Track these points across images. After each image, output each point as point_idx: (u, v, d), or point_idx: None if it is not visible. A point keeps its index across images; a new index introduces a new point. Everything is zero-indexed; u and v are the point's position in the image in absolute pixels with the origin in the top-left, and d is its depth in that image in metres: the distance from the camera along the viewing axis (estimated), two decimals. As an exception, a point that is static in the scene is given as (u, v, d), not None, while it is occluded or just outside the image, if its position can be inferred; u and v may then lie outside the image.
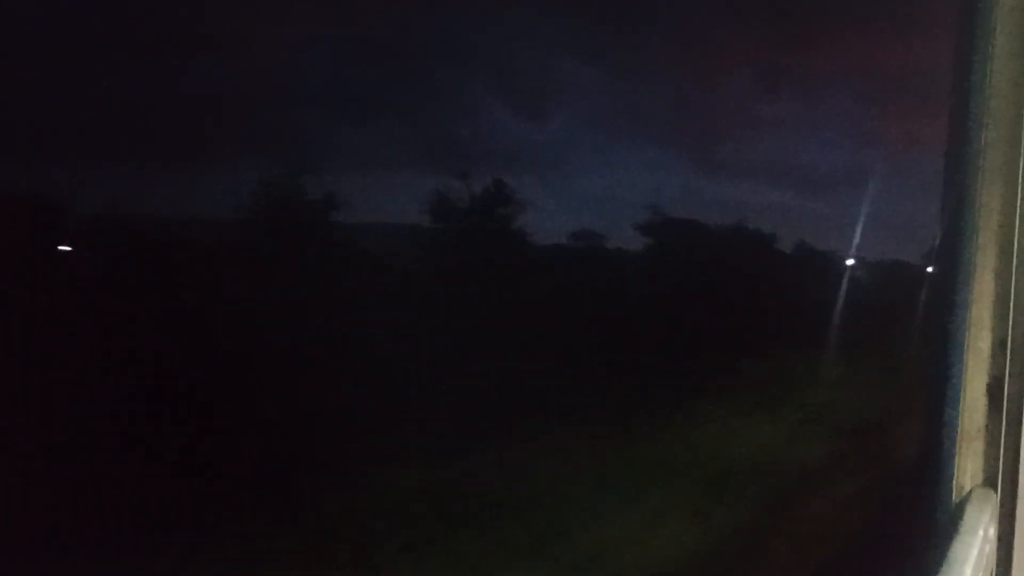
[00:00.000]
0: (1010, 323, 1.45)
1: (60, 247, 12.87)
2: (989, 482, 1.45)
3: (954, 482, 1.45)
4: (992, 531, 1.42)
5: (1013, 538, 1.44)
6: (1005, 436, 1.43)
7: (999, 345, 1.45)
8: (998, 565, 1.45)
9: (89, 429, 8.27)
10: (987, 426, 1.44)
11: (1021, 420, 1.42)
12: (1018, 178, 1.47)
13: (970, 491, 1.45)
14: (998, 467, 1.44)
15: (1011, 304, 1.45)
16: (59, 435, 8.11)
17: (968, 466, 1.45)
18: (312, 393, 10.12)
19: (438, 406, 9.76)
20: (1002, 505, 1.44)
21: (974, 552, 1.34)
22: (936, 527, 1.46)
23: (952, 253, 1.51)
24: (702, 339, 14.86)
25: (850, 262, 19.68)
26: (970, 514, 1.40)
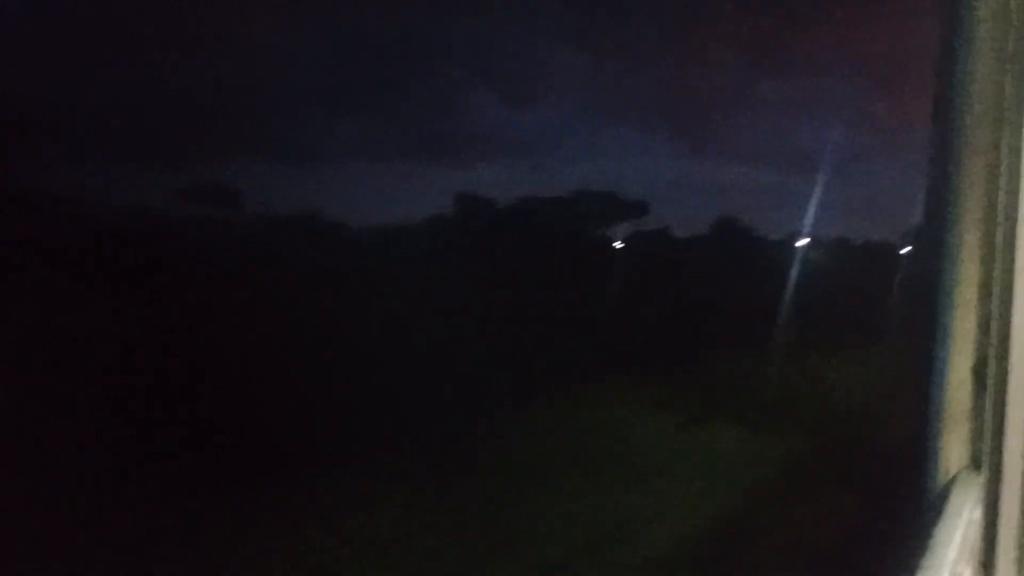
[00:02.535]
0: (993, 304, 1.45)
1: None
2: (974, 464, 1.46)
3: (940, 464, 1.46)
4: (977, 513, 1.43)
5: (998, 520, 1.45)
6: (990, 418, 1.43)
7: (983, 327, 1.45)
8: (983, 547, 1.46)
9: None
10: (972, 408, 1.44)
11: (1006, 402, 1.42)
12: (1000, 160, 1.47)
13: (956, 473, 1.46)
14: (983, 449, 1.45)
15: (994, 285, 1.45)
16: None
17: (954, 448, 1.46)
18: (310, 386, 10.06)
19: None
20: (987, 487, 1.45)
21: (959, 534, 1.34)
22: (921, 509, 1.46)
23: (935, 235, 1.51)
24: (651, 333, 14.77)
25: (803, 242, 19.06)
26: (955, 496, 1.40)
